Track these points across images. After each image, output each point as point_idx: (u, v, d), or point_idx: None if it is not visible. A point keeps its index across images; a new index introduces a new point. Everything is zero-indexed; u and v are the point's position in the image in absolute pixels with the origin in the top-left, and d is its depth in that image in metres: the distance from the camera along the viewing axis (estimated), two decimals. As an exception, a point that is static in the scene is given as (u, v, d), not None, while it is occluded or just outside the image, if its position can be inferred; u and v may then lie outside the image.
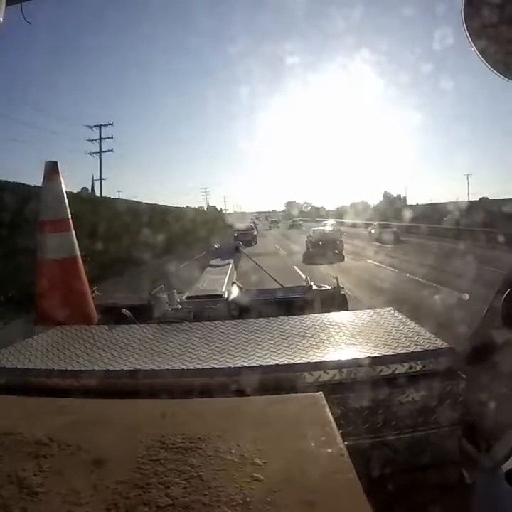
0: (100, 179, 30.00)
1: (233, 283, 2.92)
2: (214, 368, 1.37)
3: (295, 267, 15.20)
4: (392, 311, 1.86)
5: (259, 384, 1.25)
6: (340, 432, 1.00)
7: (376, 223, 29.52)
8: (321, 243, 20.63)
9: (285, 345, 1.52)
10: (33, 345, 1.62)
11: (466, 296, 7.65)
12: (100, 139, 29.95)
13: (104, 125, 30.32)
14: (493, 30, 0.79)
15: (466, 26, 0.80)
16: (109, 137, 29.78)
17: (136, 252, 14.00)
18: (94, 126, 29.70)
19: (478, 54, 0.80)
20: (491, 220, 22.02)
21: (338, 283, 2.61)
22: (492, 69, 0.82)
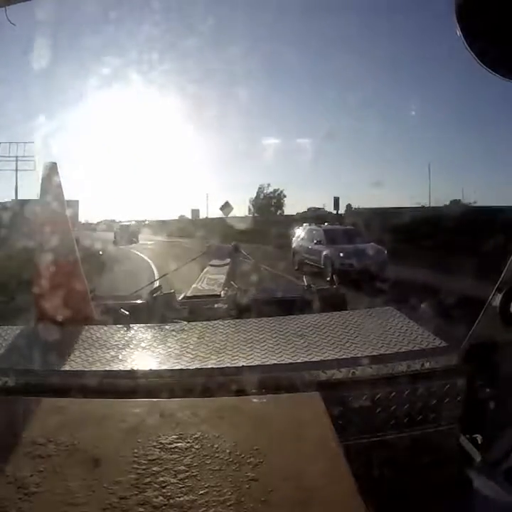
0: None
1: (231, 283, 2.92)
2: (212, 367, 1.37)
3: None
4: (391, 310, 1.85)
5: (257, 383, 1.25)
6: (339, 431, 1.00)
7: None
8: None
9: (283, 344, 1.52)
10: (32, 345, 1.63)
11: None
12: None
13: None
14: (486, 28, 0.79)
15: (459, 25, 0.80)
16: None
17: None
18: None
19: (471, 52, 0.80)
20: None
21: (336, 282, 2.61)
22: (488, 68, 0.82)
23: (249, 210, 32.10)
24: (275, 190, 32.60)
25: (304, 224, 15.72)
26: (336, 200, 28.51)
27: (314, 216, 24.05)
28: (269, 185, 32.51)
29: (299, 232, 15.16)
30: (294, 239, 15.19)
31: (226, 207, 22.17)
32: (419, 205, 26.12)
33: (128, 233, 25.09)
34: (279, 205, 32.52)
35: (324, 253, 12.59)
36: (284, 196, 32.56)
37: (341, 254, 12.00)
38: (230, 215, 22.62)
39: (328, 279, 10.95)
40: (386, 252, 12.44)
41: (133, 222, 28.69)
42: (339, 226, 15.91)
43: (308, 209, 28.88)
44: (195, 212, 33.35)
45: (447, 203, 26.01)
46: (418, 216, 18.94)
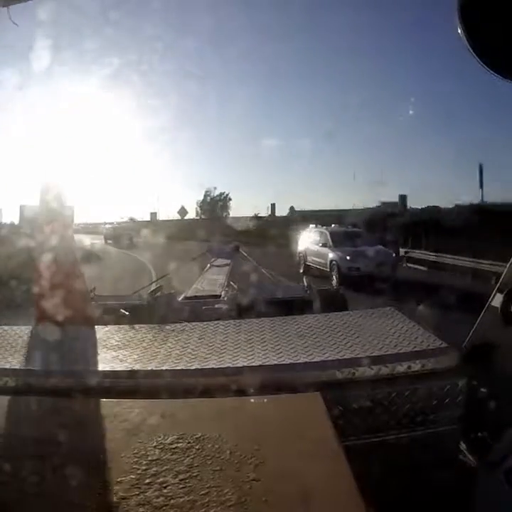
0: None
1: (231, 283, 2.92)
2: (213, 368, 1.36)
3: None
4: (392, 311, 1.85)
5: (258, 384, 1.25)
6: (340, 431, 1.00)
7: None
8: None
9: (284, 345, 1.51)
10: (32, 346, 1.62)
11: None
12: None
13: None
14: (489, 29, 0.79)
15: (462, 25, 0.79)
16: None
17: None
18: None
19: (473, 52, 0.80)
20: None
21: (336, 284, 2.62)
22: (488, 69, 0.82)
23: (197, 212, 33.57)
24: (221, 194, 34.30)
25: (311, 225, 14.62)
26: (273, 206, 31.23)
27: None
28: (215, 188, 34.21)
29: (306, 234, 14.17)
30: (299, 241, 14.26)
31: (182, 211, 26.90)
32: (354, 208, 27.39)
33: (123, 234, 24.43)
34: (225, 207, 34.36)
35: (330, 256, 11.92)
36: (230, 199, 34.26)
37: (348, 258, 11.41)
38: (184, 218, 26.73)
39: (334, 283, 10.58)
40: (395, 255, 11.98)
41: (115, 224, 28.34)
42: (346, 228, 14.54)
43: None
44: (153, 214, 35.58)
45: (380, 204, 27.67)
46: (350, 216, 21.18)
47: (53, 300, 1.92)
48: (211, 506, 0.75)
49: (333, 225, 14.44)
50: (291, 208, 30.66)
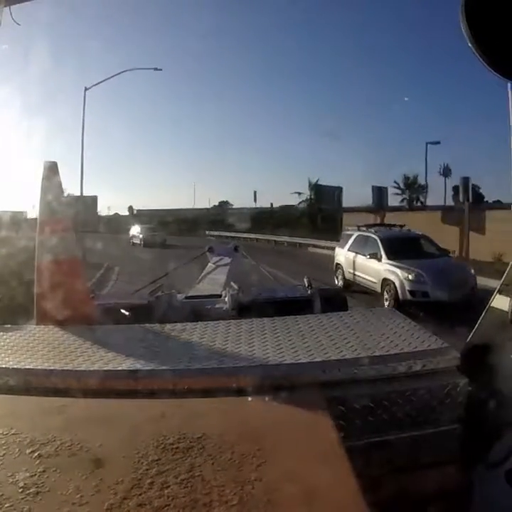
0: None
1: (233, 282, 2.92)
2: (213, 367, 1.37)
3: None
4: (393, 311, 1.86)
5: (259, 384, 1.25)
6: (341, 431, 1.00)
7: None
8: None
9: (285, 345, 1.52)
10: (33, 345, 1.62)
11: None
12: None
13: None
14: (493, 28, 0.78)
15: (465, 23, 0.79)
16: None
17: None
18: None
19: (476, 52, 0.80)
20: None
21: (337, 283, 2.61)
22: (489, 68, 0.82)
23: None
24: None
25: (349, 228, 10.99)
26: (130, 208, 30.82)
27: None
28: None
29: (345, 240, 10.30)
30: (337, 249, 10.67)
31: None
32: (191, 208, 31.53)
33: (155, 235, 22.23)
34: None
35: (383, 274, 8.31)
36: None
37: (410, 277, 7.78)
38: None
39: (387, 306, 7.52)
40: (473, 270, 8.20)
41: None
42: (401, 232, 10.17)
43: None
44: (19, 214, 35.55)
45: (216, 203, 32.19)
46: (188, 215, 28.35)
47: (54, 299, 1.92)
48: (213, 506, 0.75)
49: (382, 228, 10.34)
50: (130, 207, 30.80)
